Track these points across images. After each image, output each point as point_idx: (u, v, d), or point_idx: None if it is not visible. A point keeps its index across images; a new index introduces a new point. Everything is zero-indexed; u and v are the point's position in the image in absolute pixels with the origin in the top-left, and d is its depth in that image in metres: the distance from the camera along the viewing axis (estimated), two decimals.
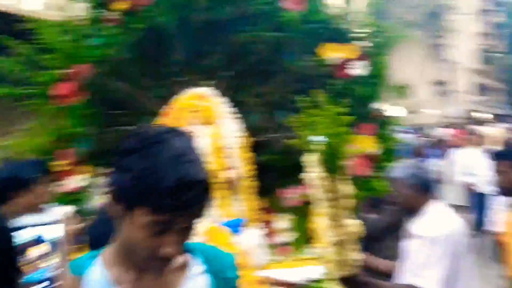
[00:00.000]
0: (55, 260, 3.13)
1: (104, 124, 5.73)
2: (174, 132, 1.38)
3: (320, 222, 3.54)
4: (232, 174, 5.11)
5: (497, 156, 4.47)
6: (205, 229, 4.54)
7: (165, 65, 5.70)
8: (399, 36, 5.35)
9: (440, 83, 37.90)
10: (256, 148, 5.38)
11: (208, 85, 5.56)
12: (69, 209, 4.58)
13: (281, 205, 5.36)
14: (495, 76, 46.03)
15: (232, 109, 5.41)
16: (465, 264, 3.75)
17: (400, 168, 4.06)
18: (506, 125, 20.61)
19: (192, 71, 5.65)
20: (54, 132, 5.78)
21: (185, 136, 1.39)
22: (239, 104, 5.49)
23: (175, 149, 1.35)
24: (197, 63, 5.64)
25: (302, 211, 5.21)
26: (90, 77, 5.69)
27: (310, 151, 3.32)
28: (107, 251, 1.50)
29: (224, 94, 5.49)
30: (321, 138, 3.31)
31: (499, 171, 4.38)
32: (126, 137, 1.47)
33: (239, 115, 5.41)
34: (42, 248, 3.05)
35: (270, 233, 5.19)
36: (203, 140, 5.18)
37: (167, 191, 1.30)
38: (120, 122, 5.74)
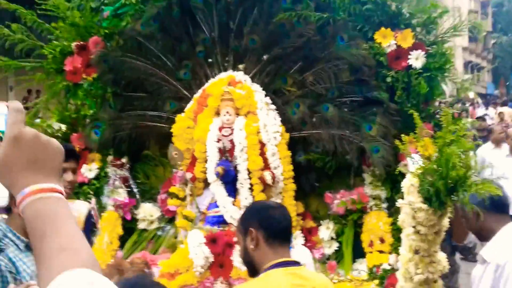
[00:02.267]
0: None
1: (117, 107, 5.00)
2: None
3: (404, 254, 2.93)
4: (269, 174, 4.48)
5: None
6: None
7: (190, 43, 4.97)
8: (460, 24, 4.65)
9: None
10: (295, 145, 4.73)
11: (240, 69, 4.88)
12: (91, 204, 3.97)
13: (324, 212, 4.73)
14: (481, 55, 45.85)
15: (269, 99, 4.74)
16: None
17: None
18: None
19: (222, 52, 4.93)
20: (61, 113, 5.07)
21: None
22: (276, 93, 4.83)
23: None
24: (227, 42, 4.92)
25: (348, 220, 4.59)
26: (101, 52, 4.93)
27: (408, 173, 2.68)
28: None
29: (259, 80, 4.82)
30: (418, 158, 2.67)
31: None
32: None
33: (276, 106, 4.75)
34: None
35: (312, 244, 4.57)
36: (238, 133, 4.54)
37: None
38: (136, 106, 5.03)
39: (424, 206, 2.65)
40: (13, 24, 5.18)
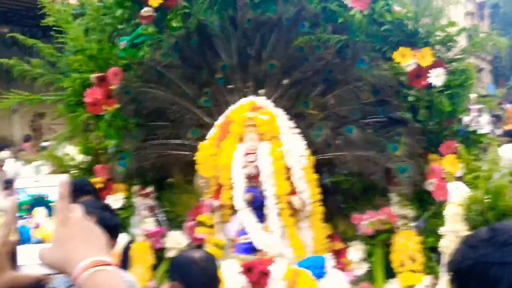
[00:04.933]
0: None
1: (140, 137, 5.01)
2: None
3: (444, 277, 2.96)
4: (297, 199, 4.49)
5: None
6: (283, 272, 3.93)
7: (209, 70, 4.99)
8: (487, 39, 4.67)
9: None
10: (320, 168, 4.74)
11: (261, 94, 4.90)
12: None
13: (351, 233, 4.74)
14: (480, 56, 45.90)
15: (292, 123, 4.76)
16: None
17: None
18: None
19: (242, 78, 4.96)
20: (84, 145, 5.09)
21: None
22: (298, 117, 4.85)
23: None
24: (246, 68, 4.94)
25: (377, 240, 4.59)
26: (122, 84, 4.95)
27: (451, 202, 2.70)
28: None
29: (280, 105, 4.85)
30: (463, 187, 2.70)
31: None
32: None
33: (299, 130, 4.76)
34: None
35: (341, 266, 4.57)
36: (263, 159, 4.55)
37: None
38: (159, 135, 5.04)
39: None
40: (32, 60, 5.21)
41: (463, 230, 2.72)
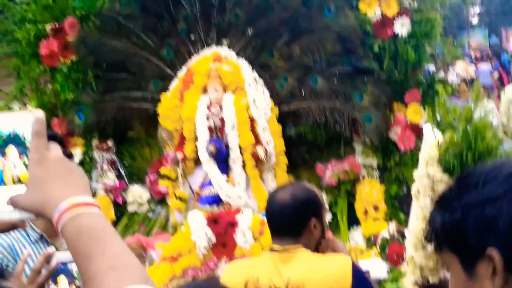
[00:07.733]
0: None
1: (100, 90, 4.79)
2: None
3: (416, 224, 2.90)
4: (261, 150, 4.38)
5: None
6: (250, 222, 3.85)
7: (171, 21, 4.81)
8: None
9: None
10: (284, 119, 4.64)
11: (224, 45, 4.74)
12: None
13: (315, 183, 4.66)
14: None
15: (256, 74, 4.62)
16: None
17: None
18: None
19: (204, 28, 4.78)
20: (40, 98, 4.84)
21: None
22: (263, 68, 4.71)
23: None
24: (209, 18, 4.76)
25: (342, 190, 4.54)
26: (79, 34, 4.71)
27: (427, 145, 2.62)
28: None
29: (244, 55, 4.69)
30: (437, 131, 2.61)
31: None
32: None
33: (264, 81, 4.63)
34: None
35: None
36: (227, 110, 4.42)
37: None
38: (119, 87, 4.84)
39: (445, 178, 2.57)
40: None
41: (438, 173, 2.63)
